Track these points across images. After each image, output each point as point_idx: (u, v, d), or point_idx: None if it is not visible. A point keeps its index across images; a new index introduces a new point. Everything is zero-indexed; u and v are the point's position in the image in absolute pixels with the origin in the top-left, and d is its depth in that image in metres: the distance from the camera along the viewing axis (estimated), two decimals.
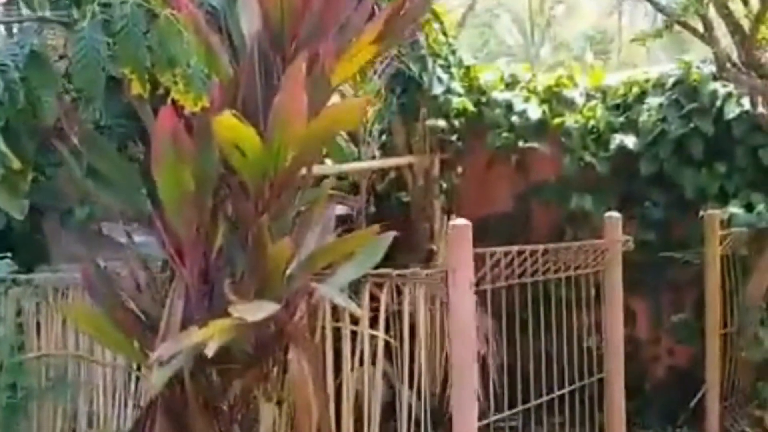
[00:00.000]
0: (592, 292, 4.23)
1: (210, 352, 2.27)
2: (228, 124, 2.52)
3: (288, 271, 2.61)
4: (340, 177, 6.11)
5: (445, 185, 6.11)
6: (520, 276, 3.65)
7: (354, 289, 3.02)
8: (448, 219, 6.04)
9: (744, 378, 5.24)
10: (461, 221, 2.94)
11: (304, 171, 3.00)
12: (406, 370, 3.22)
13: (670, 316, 5.79)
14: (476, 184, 6.29)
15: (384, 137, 6.32)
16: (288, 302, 2.60)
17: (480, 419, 3.52)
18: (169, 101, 2.55)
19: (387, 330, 3.20)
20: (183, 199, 2.64)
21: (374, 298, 3.19)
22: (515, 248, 3.50)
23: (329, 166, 5.76)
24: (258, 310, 2.37)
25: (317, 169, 5.77)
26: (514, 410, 4.06)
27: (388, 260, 3.35)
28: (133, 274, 2.92)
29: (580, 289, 4.10)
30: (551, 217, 6.10)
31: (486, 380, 5.91)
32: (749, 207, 5.28)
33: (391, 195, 6.16)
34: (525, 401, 3.96)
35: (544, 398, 3.92)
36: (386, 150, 6.33)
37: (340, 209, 3.35)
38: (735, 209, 5.25)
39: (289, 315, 2.60)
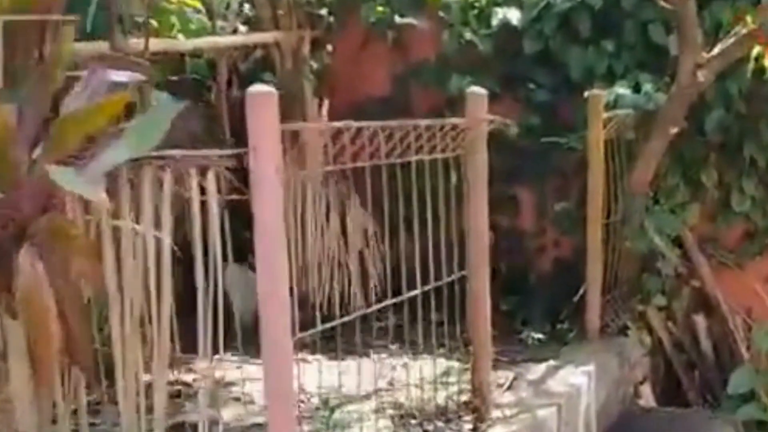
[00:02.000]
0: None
1: None
2: None
3: (33, 155, 2.05)
4: (195, 55, 5.48)
5: (315, 66, 5.51)
6: (371, 157, 3.13)
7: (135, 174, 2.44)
8: (320, 105, 5.50)
9: (627, 270, 4.89)
10: (262, 88, 2.37)
11: None
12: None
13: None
14: (351, 65, 5.69)
15: (246, 10, 5.68)
16: (36, 193, 2.03)
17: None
18: None
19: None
20: None
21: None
22: (355, 124, 2.97)
23: (179, 41, 5.12)
24: None
25: (166, 45, 5.15)
26: (377, 306, 3.60)
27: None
28: None
29: (442, 175, 3.60)
30: (432, 101, 5.56)
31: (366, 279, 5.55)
32: (637, 88, 4.83)
33: (256, 77, 5.53)
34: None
35: (404, 296, 3.46)
36: (251, 25, 5.70)
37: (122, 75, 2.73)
38: (622, 90, 4.79)
39: (37, 209, 2.04)
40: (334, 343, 3.40)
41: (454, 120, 3.53)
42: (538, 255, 5.49)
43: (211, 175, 2.25)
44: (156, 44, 4.85)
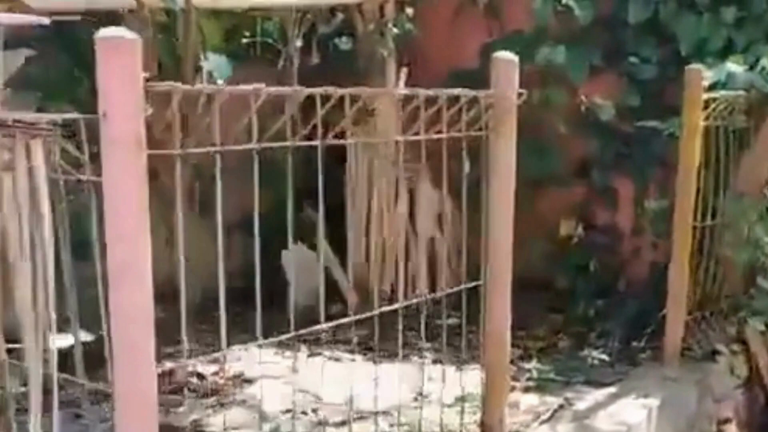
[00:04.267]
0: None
1: None
2: None
3: None
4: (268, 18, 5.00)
5: (396, 32, 4.93)
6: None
7: None
8: (398, 73, 4.93)
9: (725, 284, 4.02)
10: (117, 32, 1.81)
11: None
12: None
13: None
14: (437, 32, 5.05)
15: None
16: None
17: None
18: None
19: None
20: None
21: None
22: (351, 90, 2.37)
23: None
24: None
25: (224, 3, 4.71)
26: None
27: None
28: None
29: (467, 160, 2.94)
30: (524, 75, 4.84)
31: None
32: (754, 65, 3.93)
33: (330, 42, 5.03)
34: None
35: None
36: None
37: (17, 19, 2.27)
38: (734, 66, 3.91)
39: None
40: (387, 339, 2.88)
41: (477, 92, 2.86)
42: (634, 257, 4.70)
43: (37, 146, 1.75)
44: (216, 1, 4.46)
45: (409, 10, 4.94)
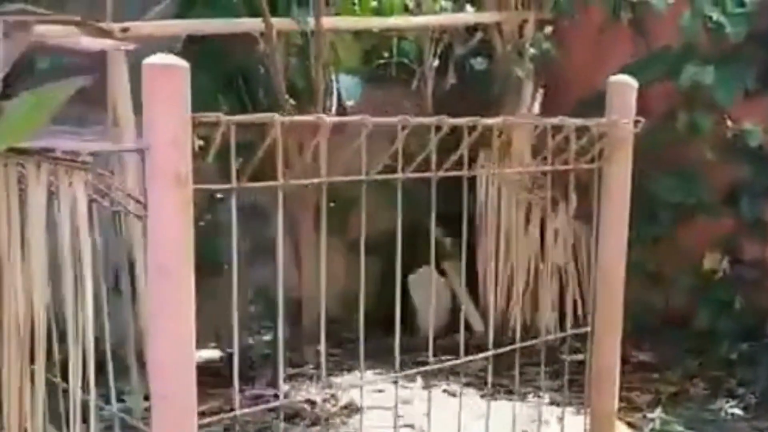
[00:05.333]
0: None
1: None
2: None
3: None
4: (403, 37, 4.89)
5: (533, 51, 4.71)
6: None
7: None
8: (534, 95, 4.73)
9: None
10: (164, 58, 1.71)
11: None
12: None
13: None
14: (580, 52, 4.81)
15: None
16: None
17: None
18: None
19: None
20: None
21: None
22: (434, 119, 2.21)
23: (372, 19, 4.60)
24: None
25: (362, 24, 4.65)
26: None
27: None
28: None
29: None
30: (668, 96, 4.51)
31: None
32: None
33: (466, 62, 4.87)
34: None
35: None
36: (474, 3, 5.02)
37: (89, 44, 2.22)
38: None
39: None
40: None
41: (589, 121, 2.63)
42: None
43: (77, 178, 1.70)
44: (348, 22, 4.43)
45: (548, 29, 4.71)
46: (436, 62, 4.82)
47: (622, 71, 4.48)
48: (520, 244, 4.56)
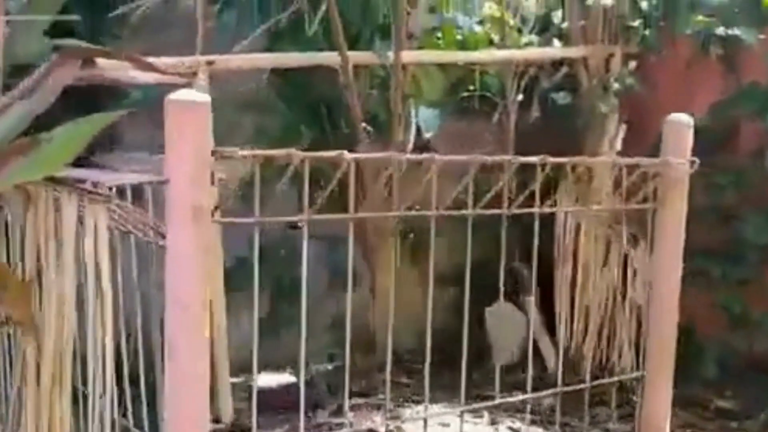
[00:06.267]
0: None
1: None
2: None
3: None
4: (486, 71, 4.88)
5: (617, 85, 4.63)
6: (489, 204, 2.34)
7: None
8: (617, 129, 4.63)
9: None
10: (188, 94, 1.76)
11: None
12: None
13: None
14: (667, 87, 4.68)
15: (556, 20, 4.97)
16: None
17: None
18: None
19: None
20: None
21: None
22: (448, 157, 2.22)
23: (453, 53, 4.61)
24: None
25: (446, 58, 4.65)
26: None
27: None
28: None
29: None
30: (758, 134, 4.35)
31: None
32: None
33: (550, 96, 4.81)
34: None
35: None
36: (561, 38, 4.98)
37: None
38: None
39: None
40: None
41: (642, 160, 2.57)
42: None
43: (97, 210, 1.77)
44: (430, 56, 4.47)
45: (633, 64, 4.62)
46: (520, 96, 4.77)
47: (711, 108, 4.44)
48: (597, 280, 4.45)
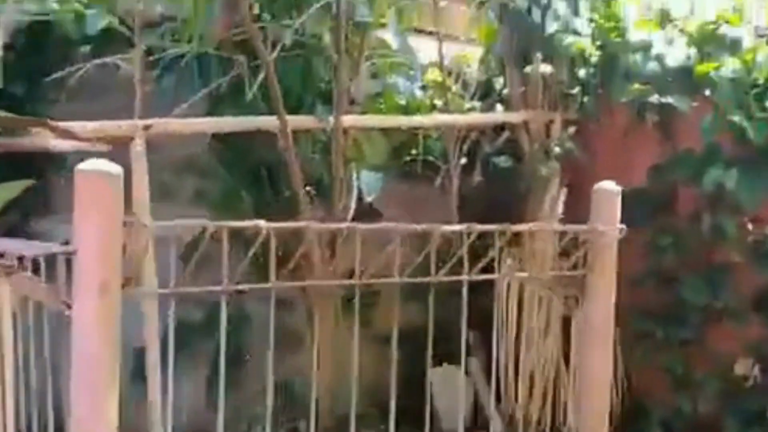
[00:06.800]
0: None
1: None
2: None
3: None
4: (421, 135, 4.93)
5: (557, 150, 4.68)
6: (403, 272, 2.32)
7: None
8: (558, 194, 4.67)
9: None
10: (98, 165, 1.73)
11: None
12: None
13: None
14: (606, 151, 4.74)
15: (497, 86, 5.04)
16: None
17: None
18: None
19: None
20: None
21: None
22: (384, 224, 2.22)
23: (396, 118, 4.63)
24: None
25: (388, 122, 4.68)
26: None
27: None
28: None
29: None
30: (693, 198, 4.41)
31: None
32: None
33: (491, 161, 4.85)
34: None
35: None
36: (503, 103, 5.04)
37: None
38: None
39: None
40: None
41: (571, 227, 2.58)
42: None
43: (3, 281, 1.71)
44: (372, 120, 4.49)
45: (573, 129, 4.69)
46: (463, 160, 4.80)
47: (648, 173, 4.50)
48: (541, 342, 4.45)
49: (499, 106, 5.04)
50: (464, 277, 2.18)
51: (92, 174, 1.68)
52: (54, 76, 3.77)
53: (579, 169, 4.70)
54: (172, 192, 4.17)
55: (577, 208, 4.49)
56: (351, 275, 2.56)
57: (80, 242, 1.65)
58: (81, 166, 1.67)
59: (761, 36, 4.34)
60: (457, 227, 2.19)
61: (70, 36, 3.71)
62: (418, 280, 2.13)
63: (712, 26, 4.38)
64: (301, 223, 1.94)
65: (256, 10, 3.94)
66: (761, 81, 4.13)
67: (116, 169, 1.69)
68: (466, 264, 2.21)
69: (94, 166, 1.68)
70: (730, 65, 4.18)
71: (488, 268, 2.57)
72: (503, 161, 4.70)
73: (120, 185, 1.68)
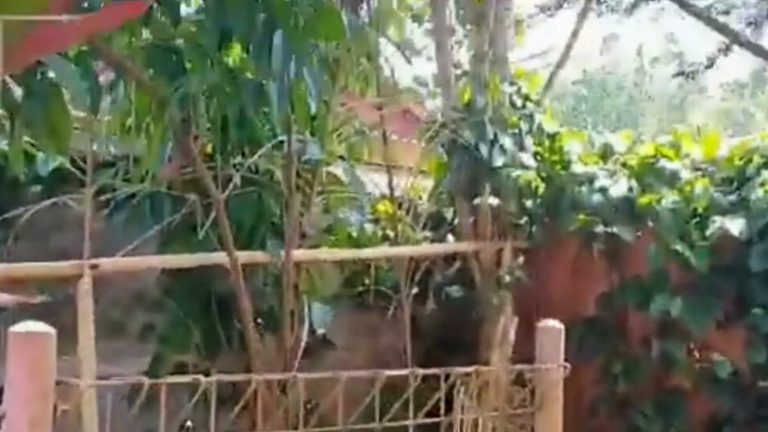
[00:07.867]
0: None
1: None
2: None
3: None
4: (372, 266, 4.96)
5: (508, 278, 4.72)
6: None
7: None
8: (509, 323, 4.69)
9: None
10: (32, 327, 1.73)
11: None
12: None
13: None
14: (556, 280, 4.81)
15: (448, 216, 5.11)
16: None
17: None
18: None
19: None
20: None
21: None
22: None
23: (350, 250, 4.65)
24: None
25: (328, 255, 4.70)
26: None
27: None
28: None
29: None
30: (644, 325, 4.45)
31: None
32: None
33: (443, 290, 4.88)
34: None
35: None
36: (453, 233, 5.10)
37: None
38: None
39: None
40: None
41: (520, 367, 2.58)
42: None
43: None
44: (323, 254, 4.50)
45: (522, 257, 4.74)
46: (415, 289, 4.81)
47: (597, 300, 4.55)
48: None
49: (450, 237, 5.10)
50: (410, 422, 2.15)
51: (24, 336, 1.65)
52: (3, 216, 3.76)
53: (530, 297, 4.74)
54: (120, 327, 4.11)
55: (530, 337, 4.52)
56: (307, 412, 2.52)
57: (10, 406, 1.61)
58: (14, 328, 1.65)
59: (697, 169, 4.48)
60: (401, 372, 2.18)
61: (20, 178, 3.72)
62: (360, 427, 2.10)
63: (651, 160, 4.53)
64: (245, 376, 1.93)
65: (208, 150, 3.98)
66: (700, 211, 4.24)
67: (49, 330, 1.68)
68: (411, 408, 2.18)
69: (28, 328, 1.66)
70: (670, 197, 4.29)
71: (438, 408, 2.55)
72: (455, 290, 4.72)
73: (53, 345, 1.65)
